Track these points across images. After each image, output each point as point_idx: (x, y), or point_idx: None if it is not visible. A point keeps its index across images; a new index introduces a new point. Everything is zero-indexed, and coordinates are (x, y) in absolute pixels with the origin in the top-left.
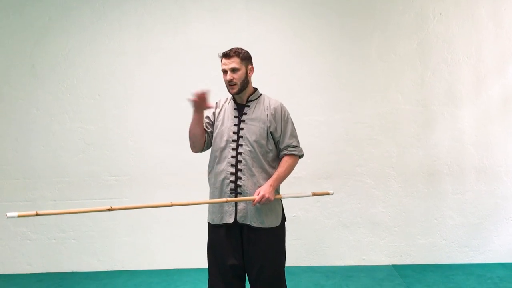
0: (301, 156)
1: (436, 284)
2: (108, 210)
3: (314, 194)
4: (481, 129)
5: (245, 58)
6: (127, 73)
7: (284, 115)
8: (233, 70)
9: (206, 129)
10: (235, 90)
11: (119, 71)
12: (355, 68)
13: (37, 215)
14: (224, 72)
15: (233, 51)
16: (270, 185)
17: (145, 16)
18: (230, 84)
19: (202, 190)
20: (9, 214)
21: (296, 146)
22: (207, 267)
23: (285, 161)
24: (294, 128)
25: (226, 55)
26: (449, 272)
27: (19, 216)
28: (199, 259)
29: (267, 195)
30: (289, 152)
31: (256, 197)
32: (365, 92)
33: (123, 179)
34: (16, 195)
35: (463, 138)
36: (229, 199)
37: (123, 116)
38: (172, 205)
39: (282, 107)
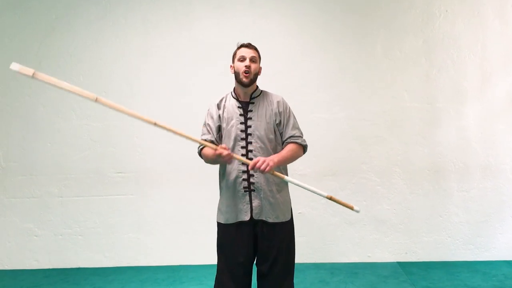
0: (305, 148)
1: (441, 281)
2: (95, 100)
3: (330, 198)
4: (486, 127)
5: (260, 56)
6: (133, 70)
7: (286, 108)
8: (252, 59)
9: (214, 142)
10: (248, 79)
11: (124, 68)
12: (360, 65)
13: (33, 75)
14: (242, 59)
15: (252, 45)
16: (274, 158)
17: (150, 13)
18: (246, 72)
19: (207, 186)
20: (12, 66)
21: (299, 136)
22: (212, 263)
23: (289, 147)
24: (296, 121)
25: (247, 46)
26: (454, 269)
27: (19, 70)
28: (205, 255)
29: (267, 161)
30: (292, 140)
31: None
32: (370, 90)
33: (129, 176)
34: (23, 192)
35: (469, 135)
36: (220, 149)
37: None
38: (155, 124)
39: (283, 100)
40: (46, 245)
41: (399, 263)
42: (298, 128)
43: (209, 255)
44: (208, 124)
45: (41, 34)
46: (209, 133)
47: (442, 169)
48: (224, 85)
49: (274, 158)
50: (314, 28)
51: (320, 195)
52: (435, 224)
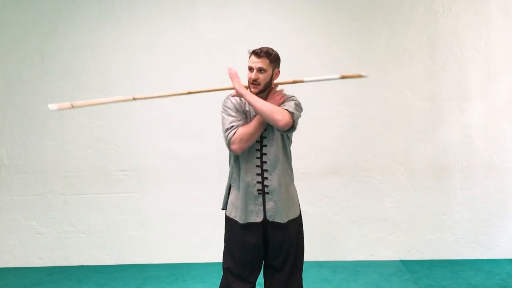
0: (294, 123)
1: (444, 280)
2: (133, 99)
3: (343, 77)
4: (490, 125)
5: (274, 60)
6: (136, 67)
7: (290, 97)
8: (260, 70)
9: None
10: (257, 90)
11: (127, 65)
12: (364, 62)
13: (72, 107)
14: (250, 69)
15: (264, 51)
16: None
17: (154, 10)
18: (253, 83)
19: (210, 184)
20: (50, 106)
21: (289, 110)
22: (215, 261)
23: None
24: (293, 106)
25: (256, 54)
26: (457, 267)
27: (58, 109)
28: (207, 253)
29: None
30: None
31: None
32: (373, 87)
33: (132, 174)
34: (26, 189)
35: (472, 133)
36: None
37: (132, 110)
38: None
39: (290, 96)
40: (49, 243)
41: (402, 261)
42: (293, 108)
43: (212, 253)
44: (234, 115)
45: (44, 32)
46: (239, 120)
47: (445, 167)
48: (227, 82)
49: (243, 90)
50: (317, 26)
51: (334, 79)
52: (438, 223)
